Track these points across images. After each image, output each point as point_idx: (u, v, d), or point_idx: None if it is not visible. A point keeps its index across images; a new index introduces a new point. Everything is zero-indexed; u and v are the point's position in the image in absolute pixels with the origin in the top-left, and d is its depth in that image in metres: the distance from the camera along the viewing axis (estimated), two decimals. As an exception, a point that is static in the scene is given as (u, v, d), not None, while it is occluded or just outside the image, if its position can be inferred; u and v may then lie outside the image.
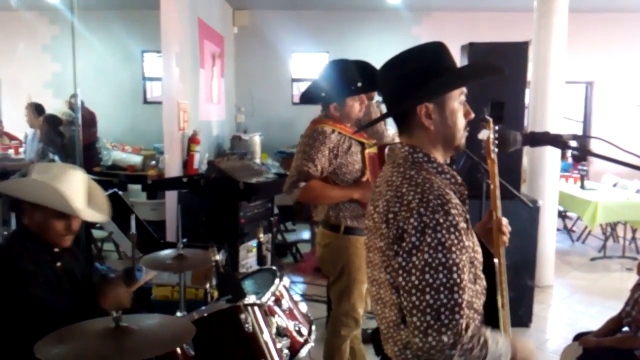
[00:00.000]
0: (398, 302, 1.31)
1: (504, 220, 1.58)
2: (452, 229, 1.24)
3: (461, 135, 1.43)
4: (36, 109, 6.12)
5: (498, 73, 1.44)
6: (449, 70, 1.38)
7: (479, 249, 1.38)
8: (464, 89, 1.42)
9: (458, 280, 1.22)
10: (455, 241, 1.24)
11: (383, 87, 1.48)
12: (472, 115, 1.44)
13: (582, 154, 7.51)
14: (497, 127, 1.59)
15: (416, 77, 1.36)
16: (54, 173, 2.11)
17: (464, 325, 1.22)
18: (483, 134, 1.51)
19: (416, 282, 1.23)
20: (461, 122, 1.42)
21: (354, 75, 2.76)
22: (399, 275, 1.27)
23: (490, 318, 1.42)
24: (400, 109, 1.42)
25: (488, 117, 1.53)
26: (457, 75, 1.42)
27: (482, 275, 1.39)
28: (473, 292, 1.33)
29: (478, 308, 1.36)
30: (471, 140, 1.51)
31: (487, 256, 1.44)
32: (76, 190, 2.13)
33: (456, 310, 1.21)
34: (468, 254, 1.28)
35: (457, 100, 1.41)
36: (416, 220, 1.25)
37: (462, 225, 1.27)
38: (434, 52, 1.39)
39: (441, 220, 1.24)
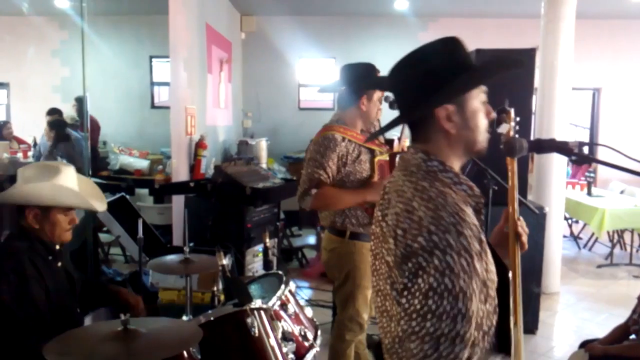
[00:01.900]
0: None
1: (521, 222, 1.48)
2: (462, 252, 1.13)
3: (483, 138, 1.31)
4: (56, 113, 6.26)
5: (519, 66, 1.35)
6: (468, 67, 1.26)
7: (493, 267, 1.26)
8: (485, 87, 1.30)
9: (463, 310, 1.12)
10: (466, 266, 1.13)
11: (396, 90, 1.34)
12: (494, 115, 1.34)
13: (587, 161, 7.48)
14: (518, 119, 1.47)
15: (433, 77, 1.24)
16: (53, 172, 2.17)
17: (464, 358, 1.13)
18: (503, 128, 1.39)
19: (418, 307, 1.13)
20: (483, 123, 1.30)
21: (375, 68, 2.82)
22: (402, 295, 1.18)
23: (501, 336, 1.33)
24: (419, 113, 1.28)
25: (508, 108, 1.41)
26: (479, 71, 1.30)
27: (495, 295, 1.28)
28: (483, 313, 1.22)
29: (487, 330, 1.25)
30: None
31: (500, 267, 1.32)
32: (77, 184, 2.22)
33: (457, 342, 1.11)
34: (479, 278, 1.17)
35: (478, 99, 1.29)
36: (425, 239, 1.14)
37: (476, 247, 1.16)
38: (450, 48, 1.27)
39: (452, 242, 1.13)
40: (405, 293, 1.17)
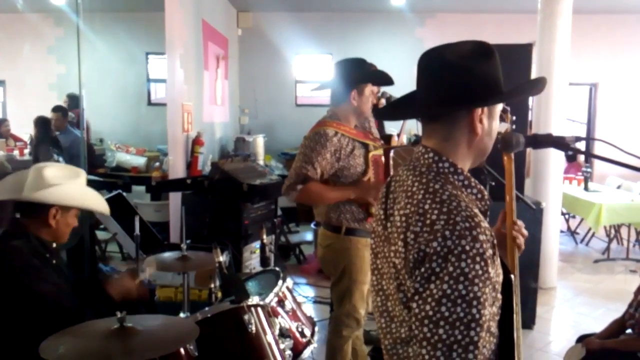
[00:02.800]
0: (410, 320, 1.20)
1: (520, 223, 1.47)
2: (477, 258, 1.10)
3: (490, 148, 1.33)
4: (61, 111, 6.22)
5: (542, 87, 1.39)
6: (499, 79, 1.28)
7: (500, 270, 1.24)
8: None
9: (477, 316, 1.10)
10: (480, 272, 1.10)
11: (431, 75, 1.27)
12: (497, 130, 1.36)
13: (583, 156, 7.51)
14: (514, 118, 1.49)
15: (484, 75, 1.24)
16: (75, 174, 2.19)
17: None
18: (501, 127, 1.37)
19: (430, 313, 1.10)
20: (496, 133, 1.31)
21: (368, 64, 2.83)
22: (412, 300, 1.15)
23: (504, 337, 1.28)
24: (461, 107, 1.24)
25: (506, 107, 1.42)
26: (533, 86, 1.32)
27: (500, 296, 1.26)
28: (492, 315, 1.19)
29: (495, 331, 1.23)
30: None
31: (504, 267, 1.30)
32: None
33: (470, 349, 1.09)
34: (491, 282, 1.14)
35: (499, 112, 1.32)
36: (439, 244, 1.11)
37: (489, 252, 1.13)
38: (496, 56, 1.29)
39: (467, 248, 1.10)
40: (417, 298, 1.13)
